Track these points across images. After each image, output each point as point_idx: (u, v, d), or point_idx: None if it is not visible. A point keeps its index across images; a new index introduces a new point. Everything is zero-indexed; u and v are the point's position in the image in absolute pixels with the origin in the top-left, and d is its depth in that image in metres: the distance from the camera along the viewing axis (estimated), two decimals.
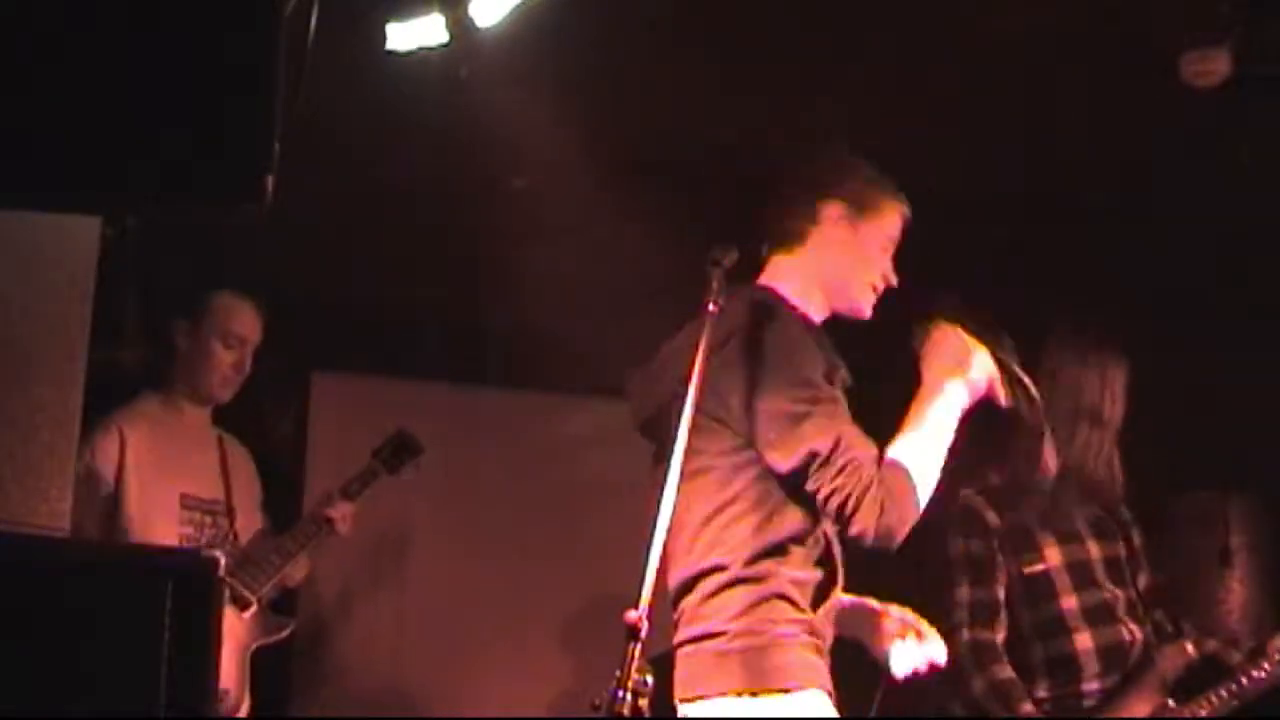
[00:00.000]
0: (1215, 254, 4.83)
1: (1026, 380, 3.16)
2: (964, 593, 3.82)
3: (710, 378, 2.81)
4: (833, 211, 3.15)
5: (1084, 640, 3.77)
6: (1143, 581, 3.96)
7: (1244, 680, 3.75)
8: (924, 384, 3.09)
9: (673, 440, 2.71)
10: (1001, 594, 3.82)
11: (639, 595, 2.64)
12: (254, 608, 4.22)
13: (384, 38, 3.99)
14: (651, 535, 2.65)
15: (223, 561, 4.03)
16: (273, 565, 4.28)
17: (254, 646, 4.25)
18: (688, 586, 2.99)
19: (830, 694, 2.96)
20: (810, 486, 2.92)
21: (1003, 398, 3.14)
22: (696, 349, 2.77)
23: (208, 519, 4.27)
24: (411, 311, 5.49)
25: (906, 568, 4.21)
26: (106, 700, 1.71)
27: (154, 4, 1.75)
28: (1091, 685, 3.77)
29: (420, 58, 4.02)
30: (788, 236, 3.18)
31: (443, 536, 5.59)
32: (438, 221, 4.98)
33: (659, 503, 2.78)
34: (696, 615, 2.96)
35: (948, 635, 3.76)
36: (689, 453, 2.73)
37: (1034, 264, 4.98)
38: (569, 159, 4.48)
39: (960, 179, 4.79)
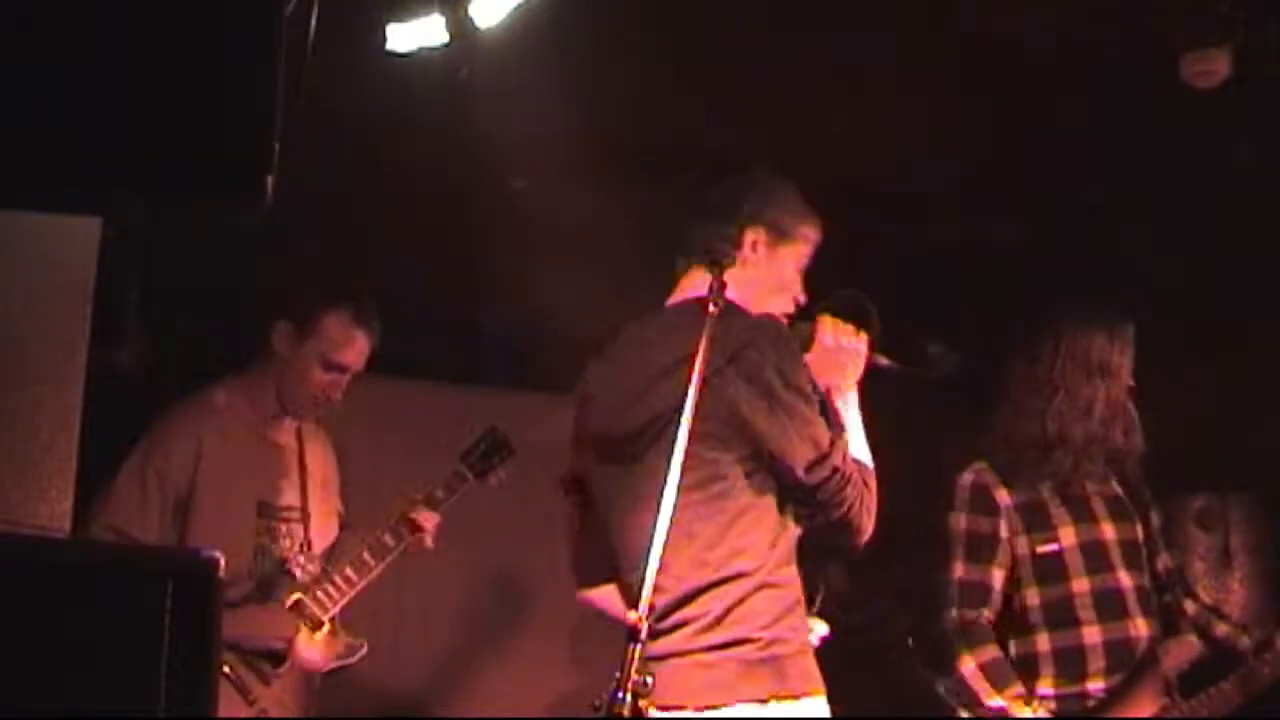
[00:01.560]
0: (1215, 254, 4.83)
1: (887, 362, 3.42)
2: (958, 570, 3.80)
3: (720, 389, 2.98)
4: (753, 237, 3.29)
5: (1092, 634, 3.75)
6: (1160, 564, 3.94)
7: (1248, 673, 3.74)
8: (834, 385, 3.31)
9: (670, 446, 2.79)
10: (998, 577, 3.80)
11: (639, 597, 2.65)
12: (326, 628, 3.92)
13: (384, 38, 3.99)
14: (650, 540, 2.69)
15: (295, 574, 3.95)
16: (349, 582, 3.93)
17: (326, 669, 3.99)
18: (694, 595, 3.03)
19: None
20: (815, 490, 3.07)
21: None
22: (695, 356, 2.89)
23: (283, 527, 3.98)
24: (411, 311, 5.49)
25: (905, 549, 4.23)
26: (106, 701, 1.71)
27: (154, 4, 1.75)
28: (1097, 684, 3.75)
29: (420, 58, 4.02)
30: (711, 254, 3.25)
31: (442, 536, 5.59)
32: (438, 221, 4.98)
33: (627, 505, 3.03)
34: (719, 623, 3.00)
35: (934, 614, 3.78)
36: (691, 465, 2.81)
37: (1034, 263, 4.99)
38: (569, 159, 4.48)
39: (960, 179, 4.80)
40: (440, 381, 5.65)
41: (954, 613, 3.76)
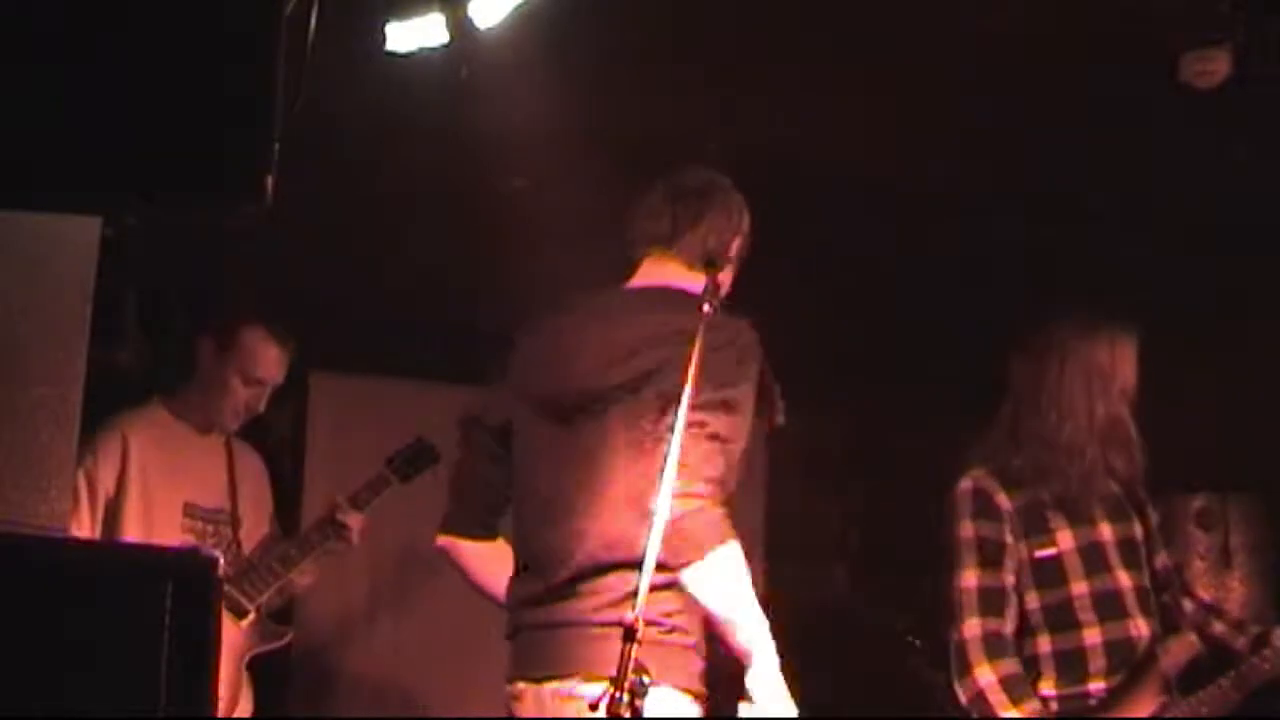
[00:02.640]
0: (1215, 254, 4.83)
1: None
2: (972, 578, 3.77)
3: (701, 374, 2.91)
4: (737, 245, 3.32)
5: (1092, 635, 3.74)
6: (1158, 562, 3.93)
7: (1246, 670, 3.73)
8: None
9: (628, 415, 2.92)
10: (1011, 581, 3.78)
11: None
12: (251, 616, 4.15)
13: (384, 38, 3.99)
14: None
15: (221, 562, 4.09)
16: (274, 574, 4.19)
17: (250, 654, 4.19)
18: (610, 569, 3.01)
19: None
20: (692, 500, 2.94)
21: None
22: (680, 333, 2.92)
23: (209, 527, 4.20)
24: (411, 311, 5.50)
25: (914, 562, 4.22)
26: (106, 700, 1.71)
27: (154, 4, 1.75)
28: (1098, 684, 3.74)
29: (420, 58, 4.02)
30: (691, 252, 3.28)
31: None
32: (438, 221, 4.98)
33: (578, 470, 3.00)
34: (626, 602, 2.91)
35: (952, 623, 3.76)
36: (647, 441, 2.90)
37: (1034, 264, 4.99)
38: (569, 159, 4.48)
39: (959, 179, 4.80)
40: (440, 381, 5.65)
41: (976, 621, 3.74)
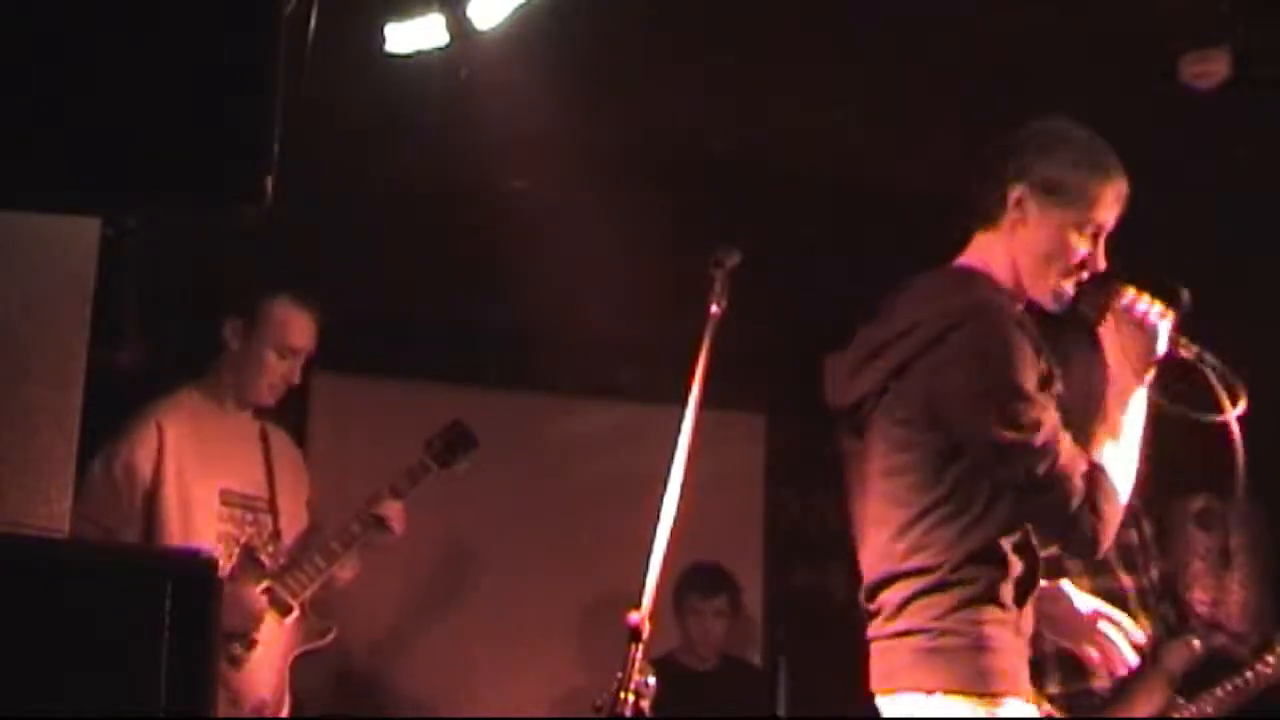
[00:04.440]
0: (1215, 254, 4.82)
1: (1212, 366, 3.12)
2: None
3: (920, 375, 2.87)
4: (1018, 195, 3.02)
5: None
6: (1154, 572, 3.94)
7: (1250, 675, 3.74)
8: (1117, 376, 3.05)
9: (876, 429, 2.89)
10: None
11: (640, 597, 2.65)
12: (295, 613, 4.09)
13: (383, 38, 3.99)
14: (653, 537, 2.70)
15: (262, 554, 4.05)
16: (317, 569, 4.12)
17: (295, 653, 4.13)
18: (884, 584, 2.93)
19: (1030, 698, 2.94)
20: (1019, 487, 2.87)
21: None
22: (904, 336, 2.89)
23: (249, 515, 4.12)
24: (411, 311, 5.50)
25: None
26: (106, 700, 1.71)
27: (154, 4, 1.75)
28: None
29: (420, 58, 4.02)
30: (986, 215, 3.08)
31: (442, 537, 5.60)
32: (438, 222, 4.98)
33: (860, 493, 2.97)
34: (898, 614, 2.89)
35: None
36: (887, 450, 2.87)
37: None
38: (568, 160, 4.47)
39: (959, 179, 4.79)
40: (440, 381, 5.65)
41: None
